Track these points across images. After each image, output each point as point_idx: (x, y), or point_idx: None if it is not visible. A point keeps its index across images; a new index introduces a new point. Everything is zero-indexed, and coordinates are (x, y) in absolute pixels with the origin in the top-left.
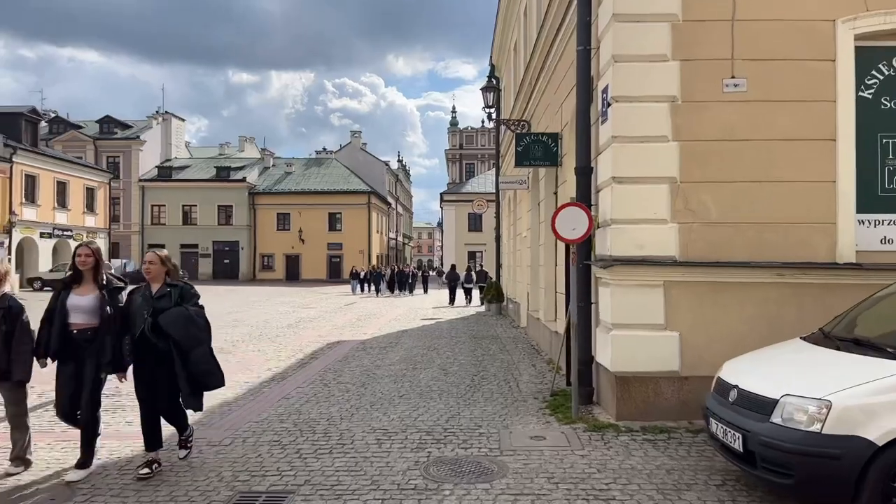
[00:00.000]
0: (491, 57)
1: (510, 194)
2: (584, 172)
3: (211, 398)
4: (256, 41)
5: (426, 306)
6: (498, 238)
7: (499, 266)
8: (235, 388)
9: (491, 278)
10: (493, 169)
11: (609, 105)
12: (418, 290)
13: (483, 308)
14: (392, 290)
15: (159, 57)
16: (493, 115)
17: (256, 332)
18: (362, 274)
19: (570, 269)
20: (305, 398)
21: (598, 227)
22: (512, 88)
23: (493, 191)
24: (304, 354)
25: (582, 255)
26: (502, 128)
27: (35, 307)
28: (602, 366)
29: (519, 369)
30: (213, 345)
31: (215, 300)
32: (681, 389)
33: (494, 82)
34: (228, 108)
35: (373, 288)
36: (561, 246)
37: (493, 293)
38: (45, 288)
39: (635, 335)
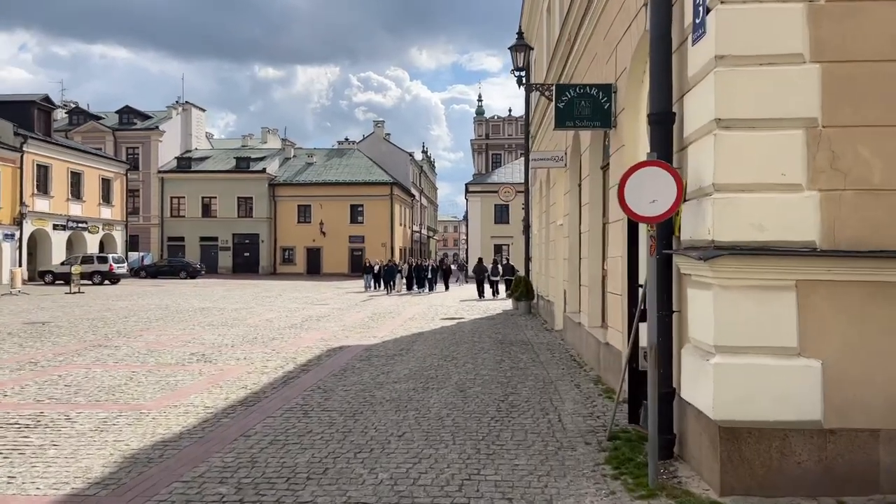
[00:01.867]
0: (520, 26)
1: (542, 178)
2: (663, 120)
3: (145, 434)
4: (282, 36)
5: (447, 304)
6: (527, 229)
7: (528, 259)
8: (189, 415)
9: (518, 272)
10: (521, 158)
11: (708, 11)
12: (440, 287)
13: (510, 305)
14: (410, 287)
15: (187, 53)
16: (524, 80)
17: (252, 333)
18: (377, 268)
19: (649, 263)
20: (272, 436)
21: (686, 200)
22: (545, 56)
23: (522, 181)
24: (295, 365)
25: (662, 241)
26: (532, 100)
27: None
28: (693, 407)
29: (559, 391)
30: (195, 350)
31: (225, 296)
32: (824, 449)
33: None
34: (255, 103)
35: (385, 284)
36: (615, 233)
37: (521, 289)
38: (57, 282)
39: (751, 364)
